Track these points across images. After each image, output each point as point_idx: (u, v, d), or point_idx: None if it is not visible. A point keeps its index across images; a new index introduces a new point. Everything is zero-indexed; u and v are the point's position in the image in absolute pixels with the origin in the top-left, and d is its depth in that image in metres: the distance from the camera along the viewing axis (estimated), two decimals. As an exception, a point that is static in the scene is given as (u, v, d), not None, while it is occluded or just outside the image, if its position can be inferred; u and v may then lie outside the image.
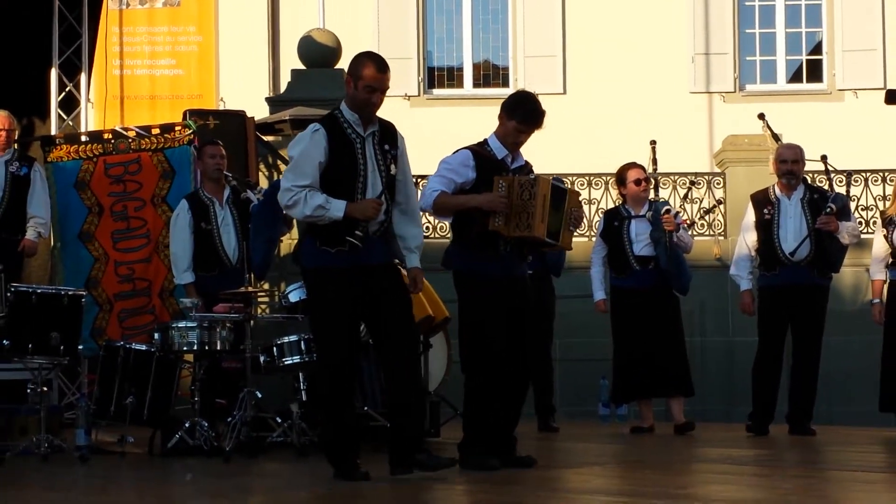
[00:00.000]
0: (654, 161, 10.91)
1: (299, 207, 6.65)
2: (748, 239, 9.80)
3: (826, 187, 11.25)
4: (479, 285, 7.15)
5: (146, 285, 10.76)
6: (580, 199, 8.02)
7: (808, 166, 10.22)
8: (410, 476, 6.64)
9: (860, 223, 13.98)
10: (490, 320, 7.12)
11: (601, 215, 11.49)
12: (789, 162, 9.66)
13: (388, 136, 6.83)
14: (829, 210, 9.48)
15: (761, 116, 11.13)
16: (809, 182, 10.16)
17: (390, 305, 6.72)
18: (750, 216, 9.80)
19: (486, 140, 7.33)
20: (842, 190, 13.60)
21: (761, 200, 9.77)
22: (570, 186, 8.06)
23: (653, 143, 10.75)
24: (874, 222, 13.72)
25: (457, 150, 7.33)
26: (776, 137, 10.70)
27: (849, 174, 13.86)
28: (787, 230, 9.59)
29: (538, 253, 8.19)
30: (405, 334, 6.77)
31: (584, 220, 8.85)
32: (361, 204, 6.64)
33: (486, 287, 7.13)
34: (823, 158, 10.34)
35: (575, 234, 7.56)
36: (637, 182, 10.00)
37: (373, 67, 6.69)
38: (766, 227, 9.66)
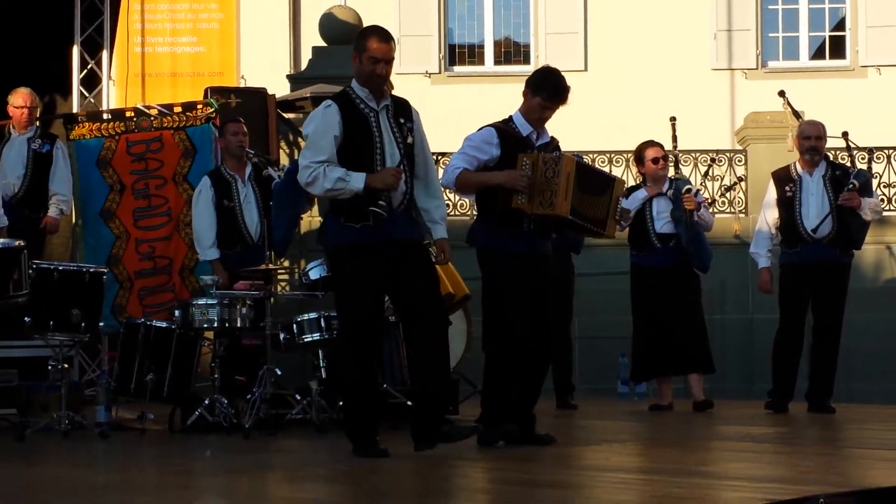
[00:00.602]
0: (675, 138, 10.88)
1: (319, 182, 6.65)
2: (769, 216, 9.77)
3: (848, 164, 11.18)
4: (501, 262, 7.16)
5: (167, 263, 10.78)
6: (625, 184, 8.00)
7: (830, 143, 10.18)
8: (431, 452, 6.66)
9: (882, 200, 13.95)
10: (512, 297, 7.13)
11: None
12: (812, 138, 9.63)
13: (402, 110, 6.84)
14: (851, 186, 9.45)
15: (781, 94, 11.08)
16: (831, 159, 10.12)
17: (416, 281, 6.71)
18: (771, 193, 9.77)
19: (510, 117, 7.33)
20: (863, 167, 13.54)
21: (783, 178, 9.75)
22: (617, 176, 8.03)
23: (673, 119, 10.74)
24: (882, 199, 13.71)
25: (481, 128, 7.33)
26: (797, 114, 10.65)
27: (870, 150, 13.79)
28: (810, 207, 9.57)
29: (567, 234, 8.21)
30: (433, 311, 6.76)
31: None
32: (381, 173, 6.64)
33: (509, 264, 7.14)
34: (845, 135, 10.30)
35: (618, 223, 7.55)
36: (655, 160, 9.99)
37: (375, 39, 6.71)
38: (788, 205, 9.63)
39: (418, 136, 6.87)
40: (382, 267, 6.66)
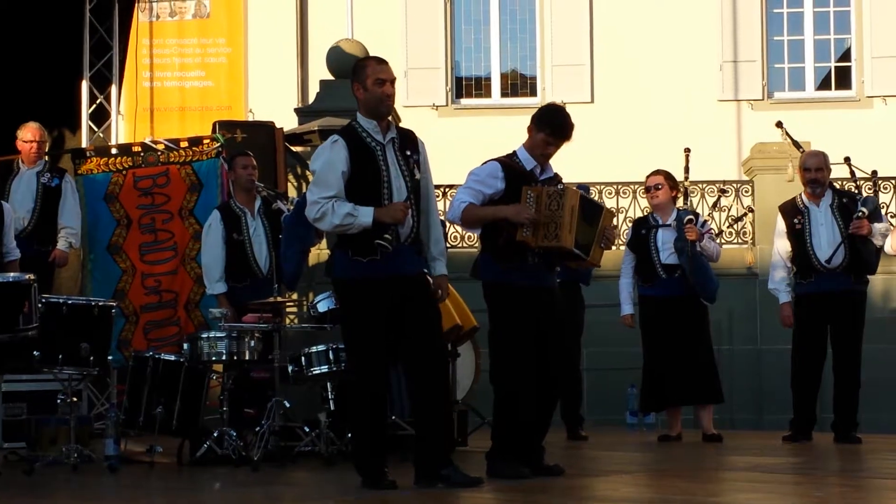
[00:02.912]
0: (687, 169, 10.89)
1: (328, 218, 6.67)
2: (782, 249, 9.75)
3: (854, 190, 11.19)
4: (507, 296, 7.16)
5: (172, 297, 10.81)
6: (614, 216, 8.04)
7: (834, 173, 10.18)
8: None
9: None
10: (518, 331, 7.13)
11: (630, 225, 11.49)
12: (812, 170, 9.63)
13: (409, 141, 6.86)
14: (860, 214, 9.44)
15: (779, 125, 11.08)
16: (837, 187, 10.13)
17: (420, 317, 6.73)
18: (781, 227, 9.76)
19: (514, 152, 7.36)
20: (869, 192, 13.53)
21: (790, 210, 9.74)
22: (605, 206, 8.07)
23: (687, 150, 10.74)
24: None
25: (485, 162, 7.35)
26: (797, 145, 10.65)
27: (874, 174, 13.77)
28: (821, 238, 9.55)
29: (566, 267, 8.23)
30: (434, 347, 6.78)
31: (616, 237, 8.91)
32: (389, 208, 6.66)
33: (515, 298, 7.14)
34: (847, 160, 10.30)
35: (604, 250, 7.57)
36: (647, 189, 10.06)
37: (373, 62, 6.80)
38: (799, 237, 9.61)
39: (424, 167, 6.89)
40: (389, 301, 6.67)
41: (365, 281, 6.66)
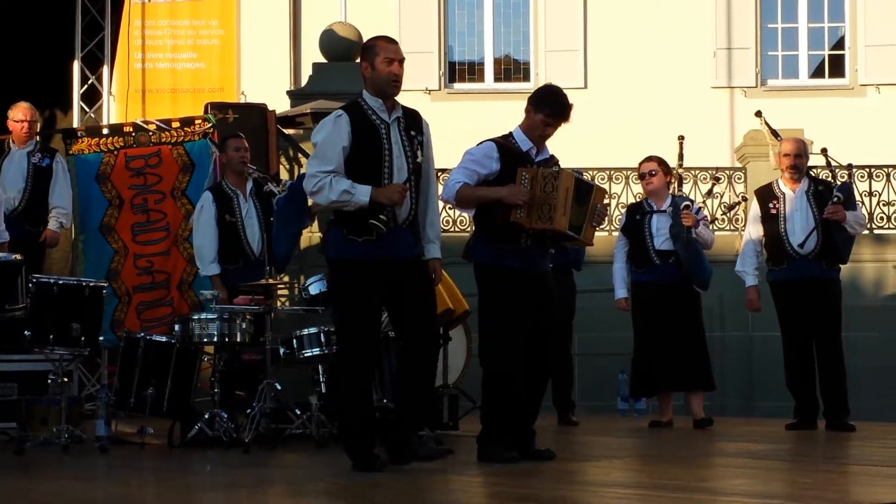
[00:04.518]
0: (681, 156, 10.88)
1: (324, 193, 6.63)
2: (754, 234, 9.83)
3: (830, 180, 11.22)
4: (499, 278, 7.15)
5: (165, 278, 10.79)
6: (605, 193, 8.01)
7: (811, 162, 10.21)
8: (430, 466, 6.67)
9: (882, 218, 13.97)
10: (510, 313, 7.12)
11: (622, 210, 11.49)
12: (793, 156, 9.67)
13: (414, 122, 6.83)
14: (836, 199, 9.48)
15: (758, 114, 11.10)
16: (813, 175, 10.16)
17: (414, 300, 6.72)
18: (755, 211, 9.82)
19: (510, 133, 7.34)
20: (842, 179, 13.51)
21: (766, 195, 9.79)
22: (596, 183, 8.06)
23: (681, 138, 10.72)
24: (882, 217, 13.73)
25: (481, 142, 7.33)
26: (775, 134, 10.68)
27: (850, 166, 13.79)
28: (795, 223, 9.59)
29: (560, 247, 8.23)
30: (427, 332, 6.77)
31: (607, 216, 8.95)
32: (387, 188, 6.63)
33: (507, 280, 7.13)
34: (824, 151, 10.33)
35: (597, 229, 7.57)
36: (641, 176, 10.06)
37: (383, 41, 6.81)
38: (773, 221, 9.66)
39: (427, 149, 6.86)
40: (383, 283, 6.66)
41: (358, 262, 6.64)
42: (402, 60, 6.77)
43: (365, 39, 12.76)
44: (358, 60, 12.58)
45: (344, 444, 6.81)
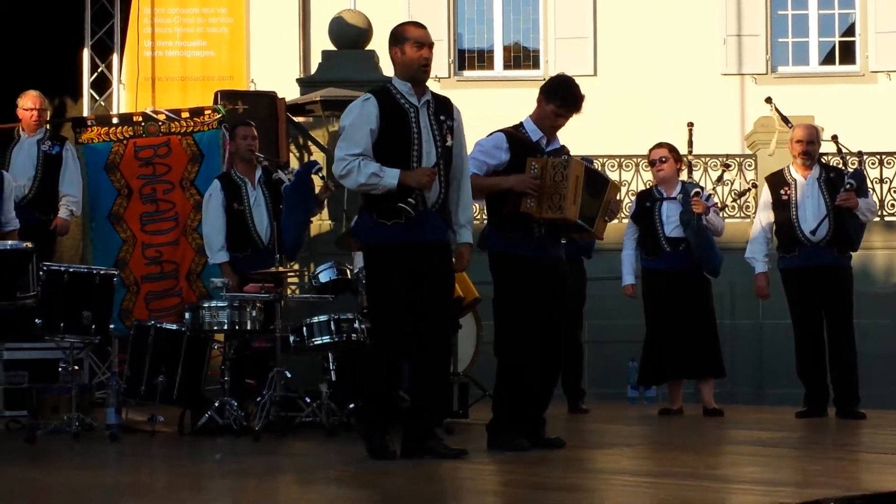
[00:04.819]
0: (690, 143, 10.85)
1: (353, 176, 6.61)
2: (764, 220, 9.78)
3: (841, 167, 11.21)
4: (512, 267, 7.15)
5: (173, 268, 10.80)
6: (619, 189, 8.03)
7: (822, 149, 10.18)
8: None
9: (892, 205, 13.93)
10: (523, 302, 7.12)
11: (632, 198, 11.47)
12: (805, 142, 9.63)
13: (444, 107, 6.81)
14: (848, 186, 9.44)
15: (768, 100, 11.09)
16: (825, 162, 10.13)
17: (434, 287, 6.70)
18: (766, 197, 9.79)
19: (521, 123, 7.33)
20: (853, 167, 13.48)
21: (778, 181, 9.75)
22: (611, 178, 8.06)
23: (690, 125, 10.69)
24: (893, 204, 13.67)
25: (491, 133, 7.33)
26: (786, 120, 10.65)
27: (860, 153, 13.77)
28: (806, 210, 9.56)
29: (570, 238, 8.23)
30: (442, 321, 6.76)
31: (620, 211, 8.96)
32: (415, 172, 6.61)
33: (520, 268, 7.13)
34: (835, 138, 10.30)
35: (608, 223, 7.57)
36: (652, 163, 10.04)
37: (412, 26, 6.78)
38: (784, 208, 9.62)
39: (458, 134, 6.84)
40: (411, 266, 6.63)
41: (388, 247, 6.62)
42: (431, 45, 6.76)
43: (374, 27, 12.97)
44: (368, 48, 12.79)
45: (361, 430, 6.77)
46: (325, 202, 9.77)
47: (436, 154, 6.70)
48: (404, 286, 6.63)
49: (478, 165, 7.17)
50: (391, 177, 6.57)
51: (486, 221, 7.57)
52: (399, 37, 6.74)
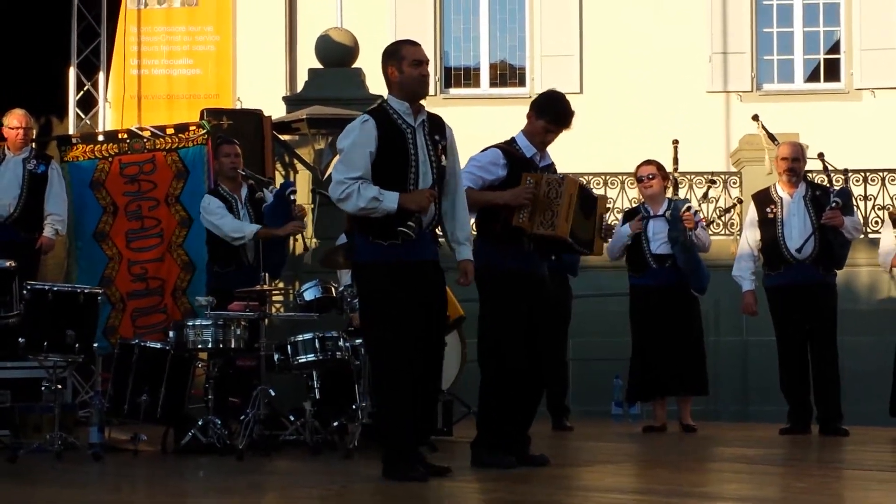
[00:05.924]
0: (675, 160, 10.89)
1: (352, 200, 6.54)
2: (751, 238, 9.80)
3: (826, 185, 11.25)
4: (499, 279, 7.13)
5: (159, 284, 10.80)
6: (607, 201, 8.05)
7: (808, 166, 10.23)
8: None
9: (877, 222, 13.97)
10: (509, 314, 7.10)
11: (618, 216, 11.49)
12: (790, 159, 9.66)
13: (437, 126, 6.78)
14: (834, 204, 9.46)
15: (755, 118, 11.13)
16: (810, 180, 10.17)
17: (431, 306, 6.67)
18: (753, 216, 9.81)
19: (513, 138, 7.33)
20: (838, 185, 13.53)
21: (764, 199, 9.78)
22: (598, 193, 8.09)
23: (675, 142, 10.72)
24: (877, 221, 13.71)
25: (486, 149, 7.31)
26: (772, 138, 10.70)
27: (846, 171, 13.82)
28: (792, 228, 9.58)
29: (558, 256, 8.24)
30: (435, 340, 6.73)
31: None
32: (415, 194, 6.57)
33: (507, 281, 7.12)
34: (821, 156, 10.34)
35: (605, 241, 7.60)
36: (639, 179, 10.04)
37: (408, 45, 6.73)
38: (770, 226, 9.65)
39: (451, 152, 6.82)
40: (408, 285, 6.58)
41: (385, 265, 6.57)
42: (427, 62, 6.74)
43: (360, 45, 12.99)
44: (354, 66, 12.80)
45: (384, 448, 6.64)
46: (307, 221, 9.76)
47: (432, 175, 6.67)
48: (403, 304, 6.55)
49: (473, 180, 7.15)
50: (391, 200, 6.51)
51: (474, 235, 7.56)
52: (395, 55, 6.71)
